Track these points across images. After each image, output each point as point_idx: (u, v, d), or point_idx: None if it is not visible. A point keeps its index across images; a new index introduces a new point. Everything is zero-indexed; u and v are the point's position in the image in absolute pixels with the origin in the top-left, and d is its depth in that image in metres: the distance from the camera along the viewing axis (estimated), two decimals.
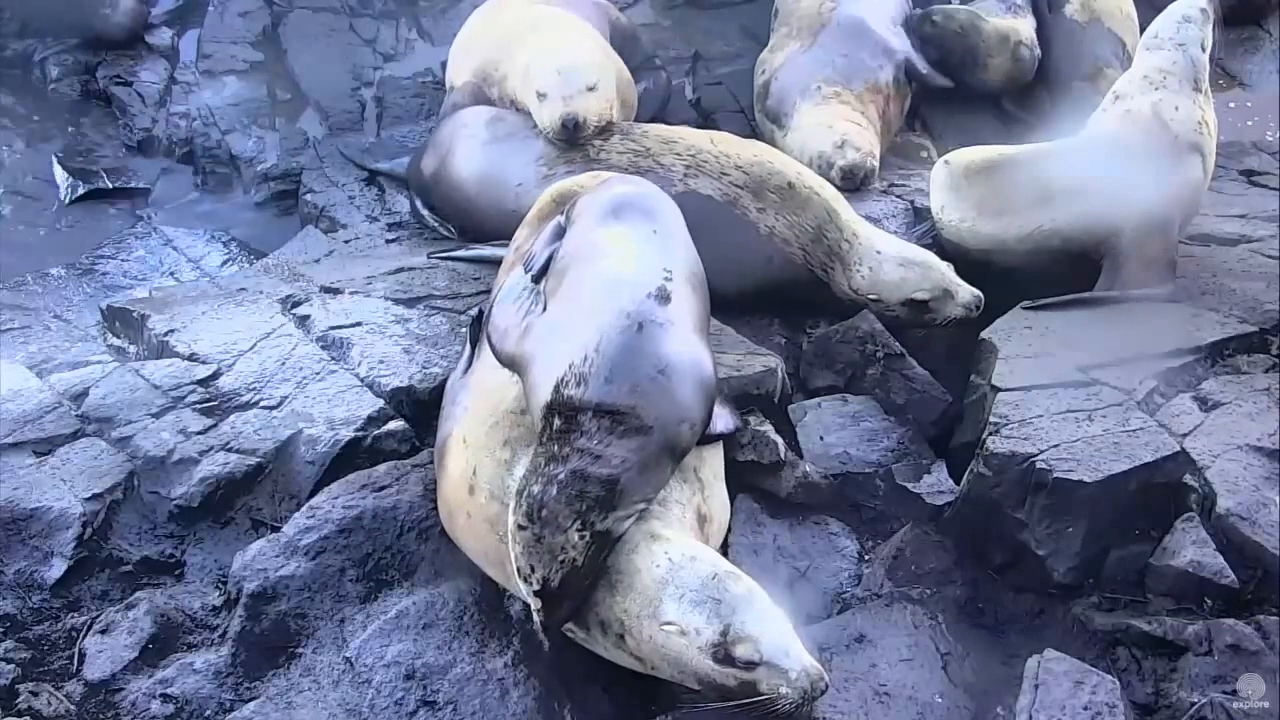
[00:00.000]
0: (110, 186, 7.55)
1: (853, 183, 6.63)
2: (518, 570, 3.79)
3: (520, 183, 6.02)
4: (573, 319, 4.10)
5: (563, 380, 3.89)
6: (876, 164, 6.79)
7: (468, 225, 6.34)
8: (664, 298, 4.10)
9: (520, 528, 3.76)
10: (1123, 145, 5.62)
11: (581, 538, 3.72)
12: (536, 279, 4.53)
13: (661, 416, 3.88)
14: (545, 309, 4.30)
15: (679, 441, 3.97)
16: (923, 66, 7.63)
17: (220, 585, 4.51)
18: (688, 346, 4.07)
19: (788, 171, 5.84)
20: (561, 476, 3.76)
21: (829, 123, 6.91)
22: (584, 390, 3.86)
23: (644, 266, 4.26)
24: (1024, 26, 7.86)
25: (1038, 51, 7.85)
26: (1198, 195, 5.67)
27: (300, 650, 4.24)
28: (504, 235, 5.49)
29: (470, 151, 6.33)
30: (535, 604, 3.80)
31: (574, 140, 5.97)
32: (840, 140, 6.77)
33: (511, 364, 4.21)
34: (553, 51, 6.24)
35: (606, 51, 6.70)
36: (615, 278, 4.21)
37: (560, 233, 4.71)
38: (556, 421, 3.86)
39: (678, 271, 4.28)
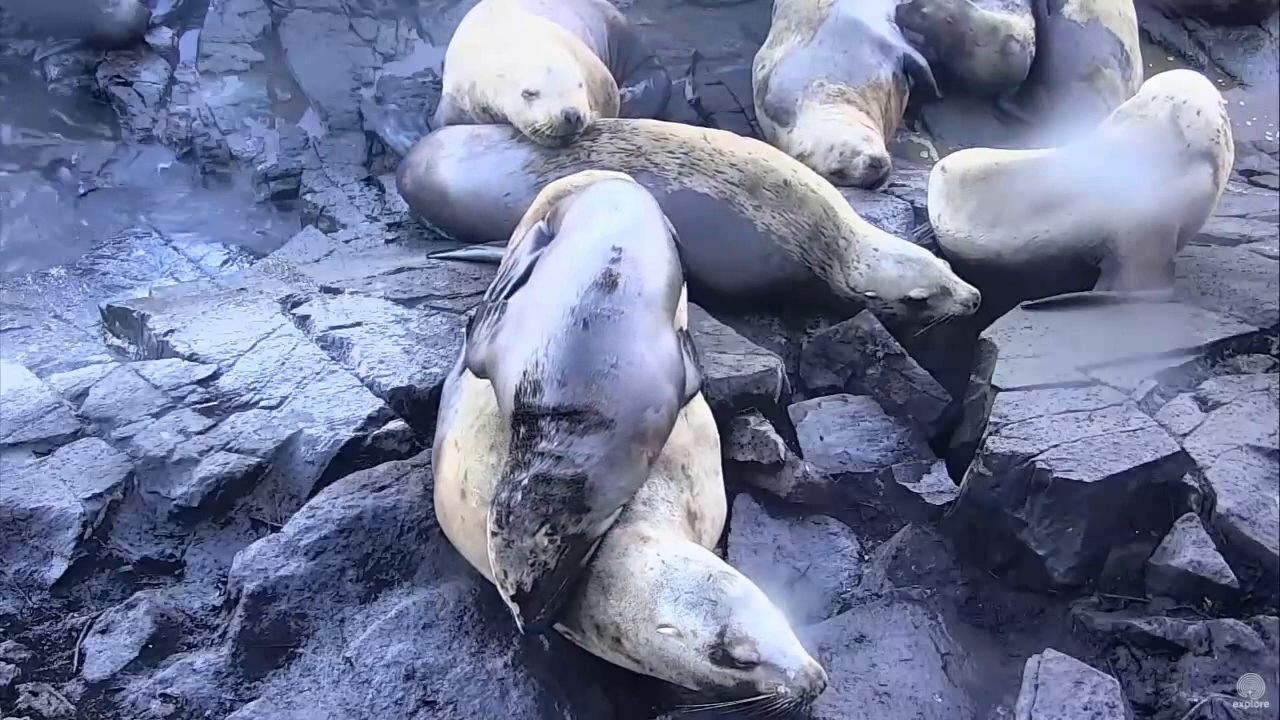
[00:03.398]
0: (110, 186, 7.55)
1: (876, 174, 6.69)
2: (495, 574, 3.82)
3: (508, 193, 6.00)
4: (525, 322, 4.09)
5: (520, 389, 3.89)
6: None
7: (458, 236, 6.35)
8: (609, 285, 4.04)
9: (493, 533, 3.78)
10: (1126, 151, 5.56)
11: (551, 541, 3.72)
12: (511, 291, 4.53)
13: (622, 408, 3.85)
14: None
15: (648, 429, 3.92)
16: (921, 61, 7.64)
17: (220, 585, 4.51)
18: (642, 332, 4.02)
19: (783, 169, 5.84)
20: (525, 482, 3.76)
21: (848, 121, 6.95)
22: (541, 396, 3.85)
23: (588, 255, 4.21)
24: (1018, 23, 7.88)
25: (1031, 50, 7.86)
26: (1203, 204, 5.57)
27: (300, 650, 4.24)
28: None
29: (450, 170, 6.30)
30: (514, 608, 3.81)
31: (570, 137, 5.95)
32: (865, 134, 6.83)
33: (483, 373, 4.21)
34: (535, 53, 6.23)
35: (575, 54, 6.66)
36: (561, 272, 4.20)
37: (541, 238, 4.70)
38: (521, 429, 3.86)
39: (626, 251, 4.20)
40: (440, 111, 6.92)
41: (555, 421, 3.82)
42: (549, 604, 3.81)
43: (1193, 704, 3.93)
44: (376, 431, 4.84)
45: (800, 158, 6.81)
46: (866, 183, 6.71)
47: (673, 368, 4.06)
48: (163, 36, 8.51)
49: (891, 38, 7.60)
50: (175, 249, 7.11)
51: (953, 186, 6.01)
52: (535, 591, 3.75)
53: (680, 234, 4.92)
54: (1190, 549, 4.23)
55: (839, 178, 6.66)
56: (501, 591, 3.83)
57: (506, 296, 4.52)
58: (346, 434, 4.80)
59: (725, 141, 5.94)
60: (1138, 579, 4.35)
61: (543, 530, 3.72)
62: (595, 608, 3.83)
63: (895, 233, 6.15)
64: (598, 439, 3.81)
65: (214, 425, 4.89)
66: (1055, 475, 4.36)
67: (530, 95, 6.02)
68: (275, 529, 4.55)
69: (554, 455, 3.78)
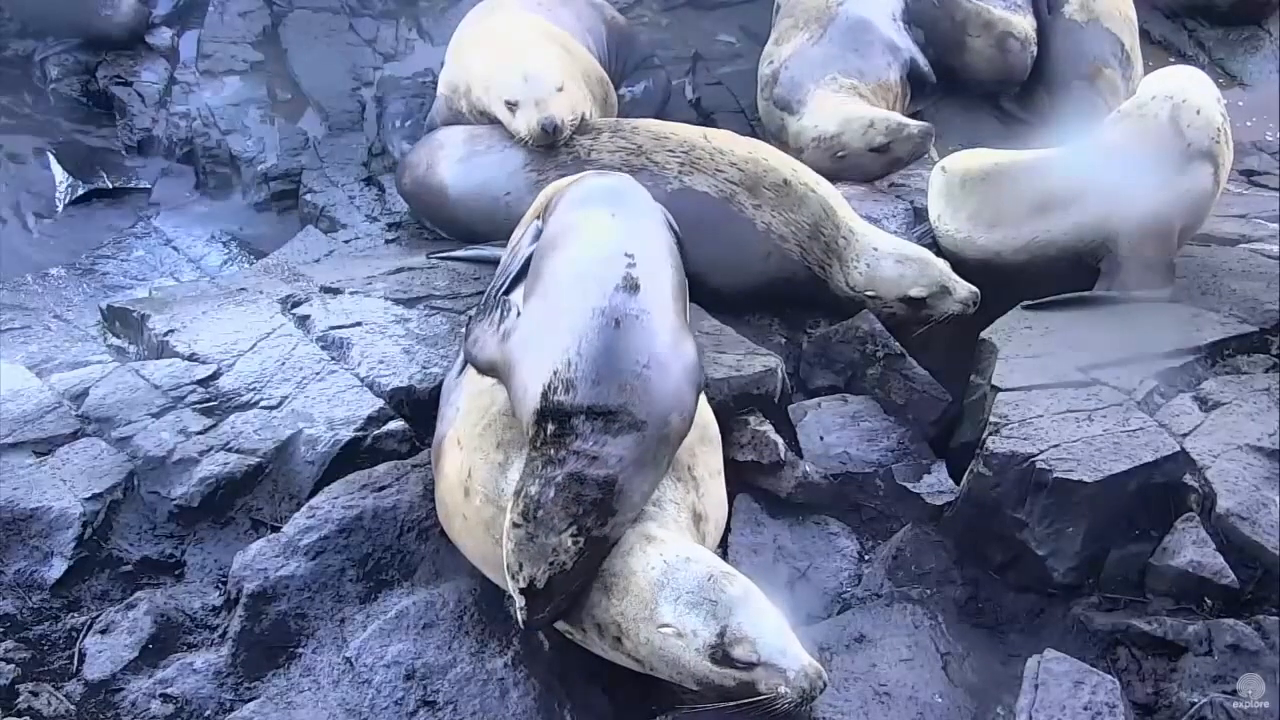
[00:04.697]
0: (110, 186, 7.55)
1: (927, 143, 6.78)
2: (506, 566, 3.80)
3: (509, 193, 6.01)
4: (549, 321, 4.08)
5: (550, 386, 3.87)
6: None
7: (458, 236, 6.35)
8: (632, 287, 4.06)
9: (515, 525, 3.76)
10: (1126, 151, 5.54)
11: (575, 543, 3.71)
12: (510, 287, 4.52)
13: (652, 410, 3.87)
14: (520, 311, 4.28)
15: (672, 431, 3.95)
16: (923, 64, 7.66)
17: (220, 585, 4.51)
18: (667, 334, 4.05)
19: (783, 168, 5.84)
20: (559, 479, 3.75)
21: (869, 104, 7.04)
22: (573, 395, 3.84)
23: (606, 256, 4.22)
24: (1019, 21, 7.88)
25: (1032, 49, 7.87)
26: (1204, 203, 5.55)
27: (300, 650, 4.24)
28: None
29: (450, 170, 6.31)
30: (520, 601, 3.80)
31: (553, 144, 5.96)
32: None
33: (492, 370, 4.20)
34: (514, 58, 6.22)
35: (567, 51, 6.65)
36: (580, 273, 4.20)
37: (538, 237, 4.71)
38: (550, 427, 3.84)
39: (640, 254, 4.23)
40: (435, 110, 6.92)
41: (590, 421, 3.81)
42: (556, 603, 3.80)
43: (1193, 704, 3.93)
44: (376, 431, 4.84)
45: (817, 140, 6.85)
46: (916, 154, 6.80)
47: (694, 371, 4.08)
48: (163, 36, 8.51)
49: (899, 40, 7.62)
50: (175, 249, 7.12)
51: (953, 186, 6.01)
52: (547, 589, 3.74)
53: (680, 233, 4.93)
54: (1190, 549, 4.23)
55: (880, 153, 6.73)
56: (511, 584, 3.81)
57: (505, 292, 4.52)
58: (346, 434, 4.80)
59: (725, 140, 5.94)
60: (1138, 579, 4.35)
61: (569, 530, 3.71)
62: (596, 606, 3.83)
63: (895, 233, 6.16)
64: (629, 440, 3.81)
65: (214, 425, 4.90)
66: (1055, 475, 4.36)
67: (511, 106, 6.04)
68: (275, 529, 4.55)
69: (589, 455, 3.77)
